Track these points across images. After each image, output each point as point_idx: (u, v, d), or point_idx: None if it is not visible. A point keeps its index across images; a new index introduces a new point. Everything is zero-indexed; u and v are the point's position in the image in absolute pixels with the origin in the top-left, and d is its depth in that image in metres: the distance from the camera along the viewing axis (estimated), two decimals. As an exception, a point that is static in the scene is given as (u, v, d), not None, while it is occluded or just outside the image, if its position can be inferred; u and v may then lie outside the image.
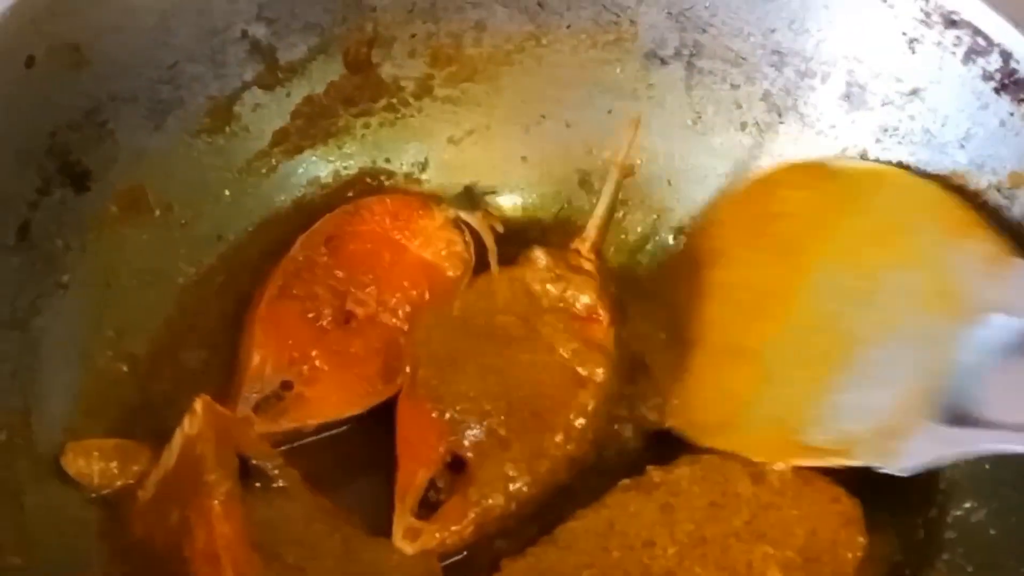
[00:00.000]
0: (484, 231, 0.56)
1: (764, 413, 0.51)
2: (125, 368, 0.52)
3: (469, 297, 0.55)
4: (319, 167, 0.60)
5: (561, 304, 0.54)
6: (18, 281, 0.48)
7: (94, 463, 0.47)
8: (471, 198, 0.59)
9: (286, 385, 0.51)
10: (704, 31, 0.57)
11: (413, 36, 0.58)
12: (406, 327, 0.54)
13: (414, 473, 0.50)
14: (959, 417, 0.47)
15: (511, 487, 0.49)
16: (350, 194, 0.60)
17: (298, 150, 0.59)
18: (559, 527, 0.49)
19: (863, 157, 0.56)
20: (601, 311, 0.54)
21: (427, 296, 0.55)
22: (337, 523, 0.47)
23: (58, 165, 0.50)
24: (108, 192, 0.52)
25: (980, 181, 0.53)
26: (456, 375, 0.52)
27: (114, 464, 0.48)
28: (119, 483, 0.48)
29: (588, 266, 0.56)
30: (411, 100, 0.60)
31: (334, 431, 0.52)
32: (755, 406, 0.52)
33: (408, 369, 0.53)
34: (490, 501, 0.49)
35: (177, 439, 0.45)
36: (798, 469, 0.50)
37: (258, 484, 0.47)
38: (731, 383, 0.53)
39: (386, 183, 0.61)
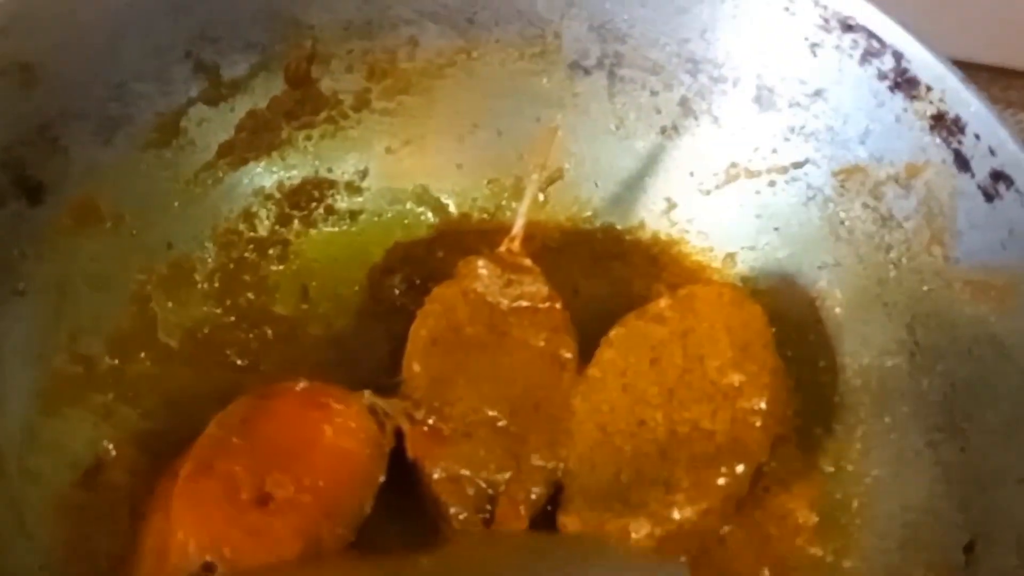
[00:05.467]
0: (402, 420, 0.53)
1: None
2: (81, 369, 0.53)
3: (430, 322, 0.56)
4: (264, 178, 0.61)
5: (518, 303, 0.57)
6: (-24, 289, 0.49)
7: None
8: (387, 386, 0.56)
9: (208, 567, 0.47)
10: (624, 42, 0.60)
11: (350, 52, 0.61)
12: (327, 510, 0.50)
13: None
14: None
15: (546, 474, 0.52)
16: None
17: (243, 162, 0.60)
18: None
19: (774, 153, 0.59)
20: (554, 295, 0.57)
21: (345, 479, 0.51)
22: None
23: (12, 178, 0.51)
24: (61, 204, 0.53)
25: (880, 173, 0.56)
26: (452, 392, 0.54)
27: None
28: None
29: (525, 261, 0.59)
30: (350, 112, 0.62)
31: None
32: None
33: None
34: (535, 493, 0.52)
35: None
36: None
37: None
38: None
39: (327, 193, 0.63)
